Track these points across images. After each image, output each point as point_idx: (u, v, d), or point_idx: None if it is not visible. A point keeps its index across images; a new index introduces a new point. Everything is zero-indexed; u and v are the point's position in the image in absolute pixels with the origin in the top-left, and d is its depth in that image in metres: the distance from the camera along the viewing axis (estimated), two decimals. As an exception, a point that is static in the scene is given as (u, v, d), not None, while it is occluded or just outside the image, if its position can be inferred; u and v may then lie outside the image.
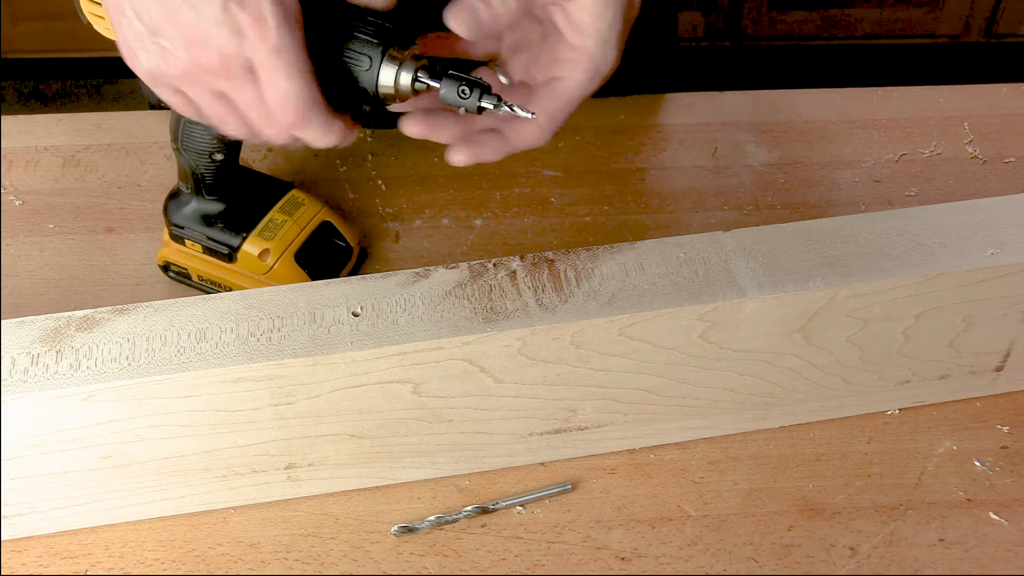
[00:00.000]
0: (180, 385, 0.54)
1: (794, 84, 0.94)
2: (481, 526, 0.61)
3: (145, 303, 0.57)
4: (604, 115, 0.88)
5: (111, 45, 0.61)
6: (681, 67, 1.00)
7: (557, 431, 0.62)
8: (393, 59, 0.56)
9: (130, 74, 0.61)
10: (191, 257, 0.72)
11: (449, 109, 0.60)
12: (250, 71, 0.55)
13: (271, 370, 0.55)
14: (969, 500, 0.62)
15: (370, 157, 0.84)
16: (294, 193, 0.73)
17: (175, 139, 0.67)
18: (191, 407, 0.55)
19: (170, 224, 0.71)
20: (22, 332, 0.56)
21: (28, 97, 2.29)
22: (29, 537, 0.60)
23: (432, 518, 0.61)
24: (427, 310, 0.57)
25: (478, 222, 0.79)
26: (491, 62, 0.63)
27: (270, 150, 0.85)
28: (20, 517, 0.59)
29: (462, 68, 0.58)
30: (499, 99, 0.57)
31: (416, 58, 0.57)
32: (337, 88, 0.57)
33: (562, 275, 0.59)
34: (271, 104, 0.55)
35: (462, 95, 0.56)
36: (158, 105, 0.93)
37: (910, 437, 0.66)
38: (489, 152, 0.62)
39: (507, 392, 0.59)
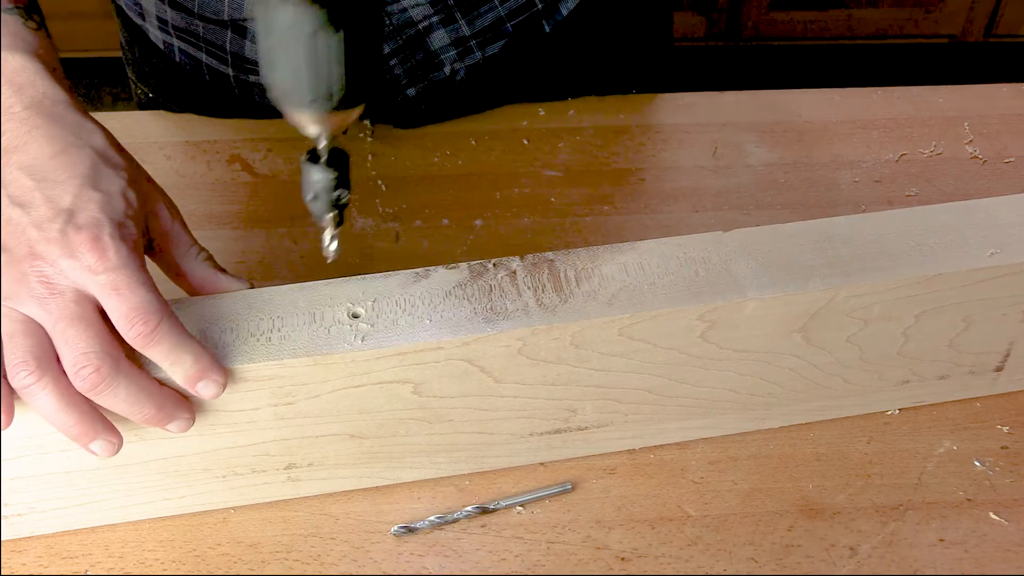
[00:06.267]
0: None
1: (794, 84, 0.94)
2: (481, 526, 0.61)
3: (145, 303, 0.57)
4: (604, 115, 0.88)
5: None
6: (678, 66, 1.00)
7: (557, 431, 0.62)
8: None
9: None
10: None
11: None
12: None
13: (271, 370, 0.55)
14: (969, 500, 0.62)
15: (370, 157, 0.84)
16: None
17: None
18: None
19: None
20: (22, 332, 0.56)
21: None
22: (29, 537, 0.60)
23: (432, 518, 0.61)
24: (427, 310, 0.57)
25: (478, 222, 0.79)
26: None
27: (271, 149, 0.85)
28: (20, 517, 0.59)
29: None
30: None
31: None
32: None
33: (562, 275, 0.59)
34: (121, 318, 0.52)
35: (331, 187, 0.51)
36: (147, 104, 0.93)
37: (910, 437, 0.66)
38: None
39: (507, 392, 0.59)
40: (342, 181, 0.51)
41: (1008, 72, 2.24)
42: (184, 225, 0.60)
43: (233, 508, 0.62)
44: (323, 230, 0.53)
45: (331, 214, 0.52)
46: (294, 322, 0.56)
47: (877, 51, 2.29)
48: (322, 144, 0.50)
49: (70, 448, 0.56)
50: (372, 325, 0.56)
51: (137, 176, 0.58)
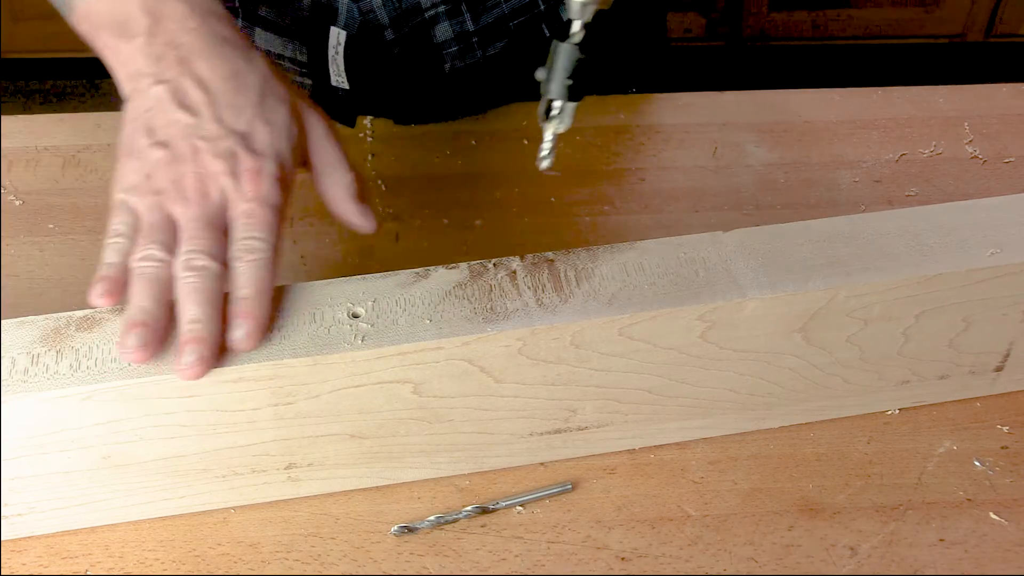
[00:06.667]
0: (180, 385, 0.54)
1: (794, 84, 0.94)
2: (481, 526, 0.61)
3: (145, 303, 0.57)
4: (604, 115, 0.88)
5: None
6: (678, 66, 1.00)
7: (557, 431, 0.62)
8: None
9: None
10: None
11: None
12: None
13: (271, 370, 0.55)
14: (969, 500, 0.62)
15: (370, 157, 0.84)
16: None
17: None
18: (191, 407, 0.55)
19: None
20: (22, 332, 0.56)
21: (28, 97, 2.29)
22: (29, 537, 0.60)
23: (432, 518, 0.61)
24: (427, 310, 0.57)
25: (478, 222, 0.79)
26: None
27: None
28: (20, 517, 0.59)
29: None
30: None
31: None
32: None
33: (562, 275, 0.59)
34: (236, 240, 0.56)
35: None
36: None
37: (910, 437, 0.66)
38: None
39: (507, 392, 0.59)
40: (577, 88, 0.52)
41: (1008, 72, 2.24)
42: (335, 143, 0.62)
43: (233, 508, 0.62)
44: (545, 131, 0.54)
45: (557, 113, 0.53)
46: (294, 322, 0.56)
47: (877, 51, 2.29)
48: (578, 24, 0.52)
49: (70, 448, 0.56)
50: (372, 325, 0.56)
51: (295, 99, 0.60)
